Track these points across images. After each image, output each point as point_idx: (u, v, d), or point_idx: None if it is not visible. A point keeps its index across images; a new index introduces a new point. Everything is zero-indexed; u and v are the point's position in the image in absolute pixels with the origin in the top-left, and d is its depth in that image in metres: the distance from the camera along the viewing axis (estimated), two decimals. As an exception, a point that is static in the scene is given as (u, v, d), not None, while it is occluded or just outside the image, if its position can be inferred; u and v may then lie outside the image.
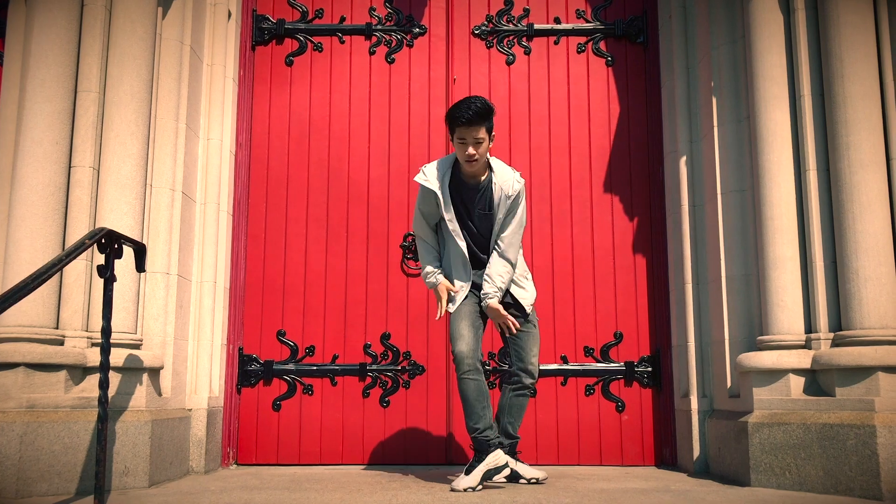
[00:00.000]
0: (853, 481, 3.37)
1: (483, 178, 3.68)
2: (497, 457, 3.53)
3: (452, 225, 3.66)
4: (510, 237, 3.68)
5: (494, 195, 3.64)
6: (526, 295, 3.80)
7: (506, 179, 3.64)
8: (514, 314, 3.71)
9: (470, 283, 3.71)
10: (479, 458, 3.53)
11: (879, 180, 3.63)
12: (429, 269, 3.76)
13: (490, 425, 3.58)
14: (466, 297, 3.71)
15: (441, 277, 3.73)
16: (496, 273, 3.65)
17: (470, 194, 3.68)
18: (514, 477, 3.75)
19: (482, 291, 3.67)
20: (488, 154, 3.69)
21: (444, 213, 3.65)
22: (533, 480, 3.74)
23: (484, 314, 3.73)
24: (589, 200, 4.83)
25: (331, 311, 4.74)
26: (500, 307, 3.66)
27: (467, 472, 3.49)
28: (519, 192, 3.67)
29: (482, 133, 3.53)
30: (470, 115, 3.48)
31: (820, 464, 3.47)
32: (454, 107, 3.56)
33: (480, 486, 3.47)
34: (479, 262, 3.75)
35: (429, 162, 4.90)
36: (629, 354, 4.70)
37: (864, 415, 3.41)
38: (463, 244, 3.67)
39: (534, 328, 3.81)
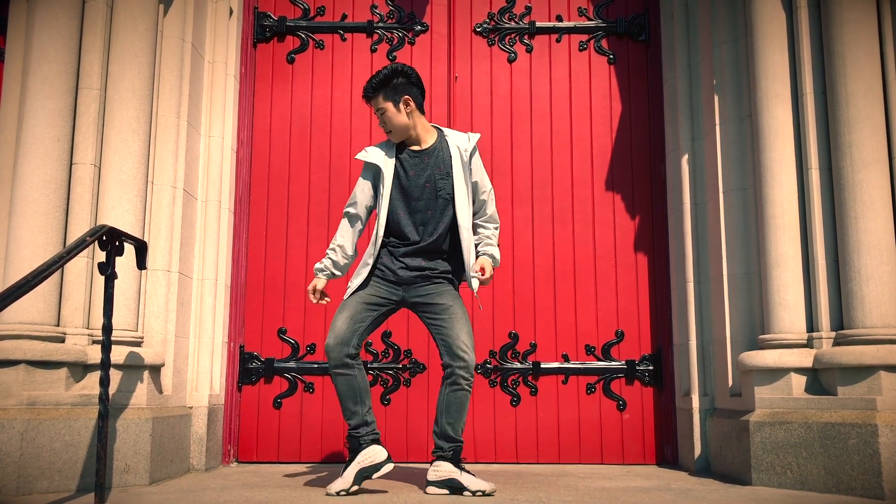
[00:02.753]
0: (855, 480, 3.36)
1: (431, 142, 3.55)
2: (370, 454, 3.31)
3: (385, 206, 3.48)
4: (488, 204, 3.59)
5: (452, 154, 3.51)
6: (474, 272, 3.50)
7: (459, 137, 3.57)
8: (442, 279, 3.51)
9: (369, 272, 3.48)
10: (351, 457, 3.35)
11: (882, 179, 3.62)
12: (330, 259, 3.57)
13: (364, 422, 3.36)
14: (372, 285, 3.48)
15: (323, 279, 3.57)
16: (492, 232, 3.59)
17: (422, 163, 3.51)
18: (457, 489, 3.31)
19: (482, 247, 3.55)
20: (439, 126, 3.64)
21: (383, 187, 3.49)
22: (479, 493, 3.26)
23: (387, 307, 3.49)
24: (590, 199, 4.82)
25: (332, 309, 4.73)
26: (491, 269, 3.49)
27: (341, 473, 3.31)
28: (475, 148, 3.56)
29: (381, 103, 3.49)
30: (366, 88, 3.54)
31: (821, 463, 3.46)
32: None
33: (355, 487, 3.28)
34: (422, 249, 3.48)
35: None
36: (630, 353, 4.70)
37: (866, 414, 3.41)
38: (385, 228, 3.48)
39: (458, 310, 3.44)
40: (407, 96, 3.49)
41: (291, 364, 4.68)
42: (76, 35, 3.90)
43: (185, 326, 4.24)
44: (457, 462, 3.38)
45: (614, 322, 4.72)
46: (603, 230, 4.79)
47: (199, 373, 4.34)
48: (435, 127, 3.64)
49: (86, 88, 3.89)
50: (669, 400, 4.60)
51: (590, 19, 4.99)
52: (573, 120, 4.91)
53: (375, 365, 4.66)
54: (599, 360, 4.69)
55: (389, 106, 3.49)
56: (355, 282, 3.49)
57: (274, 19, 4.99)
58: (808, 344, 3.73)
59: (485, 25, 4.98)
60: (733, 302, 4.10)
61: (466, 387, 3.37)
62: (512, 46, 4.98)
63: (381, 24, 4.99)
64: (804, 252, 3.81)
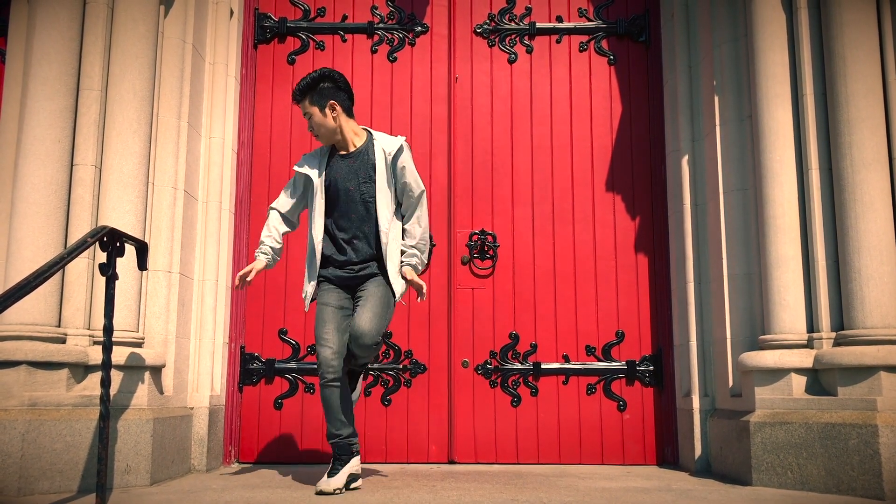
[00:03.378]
0: (855, 481, 3.36)
1: (360, 144, 3.66)
2: (357, 462, 3.52)
3: (319, 211, 3.58)
4: (417, 208, 3.62)
5: (377, 158, 3.59)
6: (400, 281, 3.61)
7: (386, 139, 3.63)
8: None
9: (315, 279, 3.60)
10: (343, 460, 3.46)
11: (882, 179, 3.63)
12: (262, 248, 3.66)
13: (354, 431, 3.52)
14: (326, 291, 3.59)
15: (263, 260, 3.64)
16: (420, 243, 3.63)
17: (348, 167, 3.61)
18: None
19: (403, 257, 3.60)
20: (370, 129, 3.72)
21: (314, 199, 3.60)
22: (336, 491, 3.37)
23: (347, 313, 3.59)
24: (591, 199, 4.83)
25: (332, 309, 4.73)
26: (416, 276, 3.59)
27: (331, 475, 3.40)
28: (401, 148, 3.59)
29: (308, 108, 3.59)
30: (294, 92, 3.62)
31: (822, 463, 3.47)
32: None
33: (343, 490, 3.40)
34: (350, 253, 3.59)
35: (429, 159, 4.91)
36: (631, 353, 4.70)
37: (867, 414, 3.41)
38: (320, 233, 3.59)
39: (373, 296, 3.53)
40: (333, 101, 3.60)
41: (292, 365, 4.68)
42: (77, 36, 3.90)
43: (185, 327, 4.24)
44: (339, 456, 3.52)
45: (615, 322, 4.72)
46: (603, 231, 4.79)
47: (200, 373, 4.34)
48: (366, 130, 3.72)
49: (86, 89, 3.90)
50: (670, 400, 4.60)
51: (590, 20, 5.00)
52: (573, 120, 4.91)
53: (376, 365, 4.67)
54: (600, 360, 4.69)
55: (316, 111, 3.60)
56: (309, 289, 3.63)
57: (274, 20, 4.99)
58: (809, 344, 3.73)
59: (485, 26, 4.98)
60: (734, 302, 4.11)
61: (362, 355, 3.49)
62: (512, 47, 4.98)
63: (381, 25, 5.00)
64: (804, 252, 3.81)
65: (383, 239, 3.56)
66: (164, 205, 4.10)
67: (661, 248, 4.75)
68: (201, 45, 4.47)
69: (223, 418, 4.50)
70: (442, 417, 4.63)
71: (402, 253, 3.63)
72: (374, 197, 3.58)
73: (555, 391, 4.66)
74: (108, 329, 3.22)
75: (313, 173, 3.64)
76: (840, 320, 3.69)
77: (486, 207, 4.81)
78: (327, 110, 3.59)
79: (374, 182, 3.58)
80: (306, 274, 3.66)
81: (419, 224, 3.66)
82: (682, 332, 4.50)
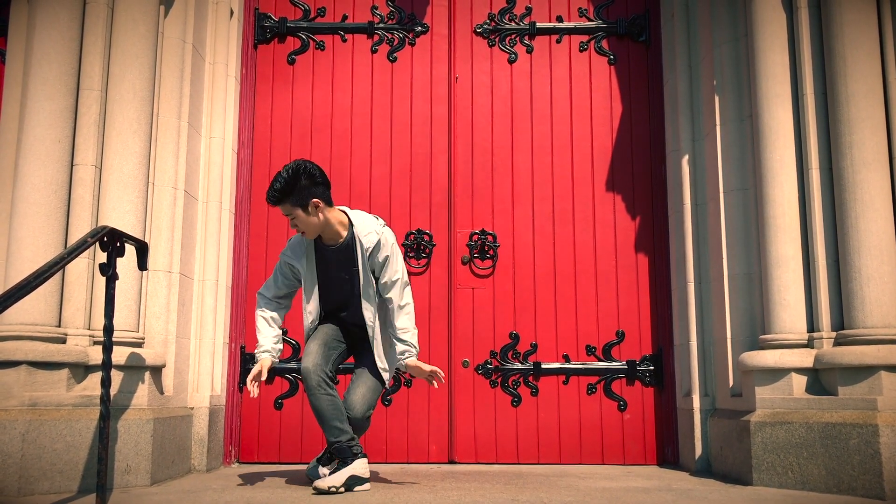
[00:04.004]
0: (856, 481, 3.36)
1: (343, 237, 3.58)
2: (364, 466, 3.47)
3: (312, 293, 3.63)
4: (396, 300, 3.55)
5: (357, 252, 3.55)
6: (388, 368, 3.68)
7: (366, 232, 3.54)
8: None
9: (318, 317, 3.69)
10: (345, 461, 3.45)
11: (882, 179, 3.62)
12: (264, 346, 3.60)
13: (353, 436, 3.50)
14: (322, 322, 3.70)
15: (268, 358, 3.56)
16: (403, 332, 3.54)
17: (332, 257, 3.60)
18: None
19: (399, 351, 3.56)
20: (347, 210, 3.64)
21: (305, 283, 3.63)
22: (332, 489, 3.36)
23: (348, 345, 3.71)
24: (591, 199, 4.82)
25: (333, 309, 4.73)
26: (420, 364, 3.54)
27: (330, 473, 3.43)
28: (378, 243, 3.52)
29: (289, 209, 3.45)
30: (269, 196, 3.46)
31: (822, 463, 3.47)
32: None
33: (343, 489, 3.36)
34: (350, 314, 3.68)
35: (430, 159, 4.90)
36: (631, 353, 4.70)
37: (867, 414, 3.41)
38: (315, 315, 3.67)
39: (366, 372, 3.65)
40: (315, 199, 3.47)
41: (292, 364, 4.68)
42: (77, 36, 3.90)
43: (185, 327, 4.24)
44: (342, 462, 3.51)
45: (615, 322, 4.72)
46: (603, 230, 4.79)
47: (201, 373, 4.34)
48: (345, 213, 3.63)
49: (87, 90, 3.90)
50: (670, 400, 4.60)
51: (590, 20, 5.00)
52: (573, 120, 4.91)
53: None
54: (600, 360, 4.69)
55: (299, 212, 3.47)
56: (312, 320, 3.69)
57: (274, 20, 4.99)
58: (809, 344, 3.73)
59: (485, 26, 4.98)
60: (734, 302, 4.11)
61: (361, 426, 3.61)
62: (512, 47, 4.98)
63: (381, 25, 5.00)
64: (805, 252, 3.81)
65: (370, 333, 3.61)
66: (164, 205, 4.10)
67: (661, 248, 4.75)
68: (201, 45, 4.47)
69: (223, 418, 4.49)
70: (442, 417, 4.62)
71: (398, 347, 3.56)
72: (359, 287, 3.58)
73: (555, 391, 4.66)
74: (109, 329, 3.22)
75: (302, 263, 3.62)
76: (840, 320, 3.69)
77: (486, 207, 4.81)
78: (310, 209, 3.46)
79: (359, 273, 3.56)
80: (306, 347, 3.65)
81: (406, 314, 3.57)
82: (682, 332, 4.49)
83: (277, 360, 3.66)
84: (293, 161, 3.52)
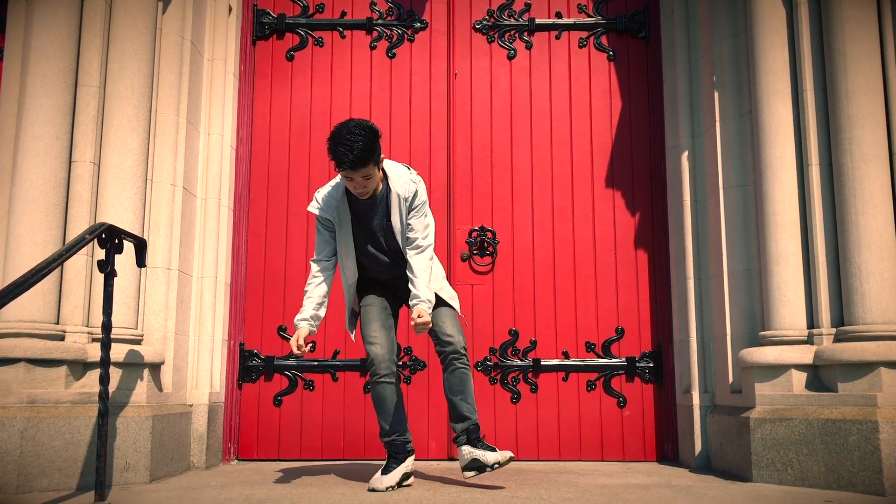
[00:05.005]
0: (855, 477, 3.36)
1: (378, 190, 3.47)
2: (412, 461, 3.53)
3: (348, 248, 3.54)
4: (420, 240, 3.46)
5: (392, 203, 3.46)
6: (455, 298, 3.64)
7: (402, 182, 3.45)
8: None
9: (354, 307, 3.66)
10: (398, 459, 3.47)
11: (882, 175, 3.62)
12: (307, 313, 3.49)
13: (407, 430, 3.53)
14: (367, 295, 3.61)
15: (306, 327, 3.46)
16: (421, 283, 3.41)
17: (367, 210, 3.50)
18: (480, 468, 3.41)
19: (413, 301, 3.43)
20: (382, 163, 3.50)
21: (339, 239, 3.53)
22: (496, 465, 3.37)
23: (395, 311, 3.66)
24: (590, 196, 4.82)
25: (331, 306, 4.72)
26: (429, 319, 3.38)
27: (385, 472, 3.43)
28: (416, 193, 3.46)
29: (369, 170, 3.28)
30: (352, 160, 3.20)
31: (822, 459, 3.46)
32: (334, 141, 3.24)
33: (396, 487, 3.40)
34: (388, 266, 3.60)
35: (429, 156, 4.89)
36: (631, 350, 4.69)
37: (867, 410, 3.40)
38: (353, 275, 3.58)
39: (444, 307, 3.54)
40: (380, 153, 3.36)
41: (291, 362, 4.68)
42: (75, 33, 3.89)
43: (184, 324, 4.23)
44: (473, 441, 3.44)
45: (614, 319, 4.72)
46: (603, 227, 4.79)
47: (200, 370, 4.33)
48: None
49: (85, 86, 3.89)
50: (670, 397, 4.60)
51: (589, 16, 4.99)
52: (573, 117, 4.90)
53: (375, 362, 4.66)
54: (600, 357, 4.69)
55: (374, 170, 3.31)
56: (352, 318, 3.69)
57: (273, 17, 4.98)
58: (809, 340, 3.73)
59: (484, 22, 4.97)
60: (733, 298, 4.10)
61: (461, 365, 3.47)
62: (511, 43, 4.97)
63: (380, 22, 4.99)
64: (804, 248, 3.80)
65: (411, 276, 3.46)
66: (162, 201, 4.09)
67: (660, 245, 4.75)
68: (200, 42, 4.46)
69: (222, 415, 4.49)
70: (442, 415, 4.62)
71: (414, 295, 3.49)
72: (395, 238, 3.52)
73: (554, 388, 4.65)
74: (107, 326, 3.22)
75: (334, 216, 3.51)
76: (840, 316, 3.69)
77: (485, 204, 4.81)
78: (379, 164, 3.36)
79: (392, 225, 3.49)
80: (347, 307, 3.67)
81: (413, 269, 3.45)
82: (681, 329, 4.49)
83: (316, 329, 3.54)
84: (349, 121, 3.30)
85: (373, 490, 3.34)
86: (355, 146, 3.19)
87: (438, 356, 3.54)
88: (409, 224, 3.48)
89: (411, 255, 3.47)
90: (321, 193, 3.55)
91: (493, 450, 3.41)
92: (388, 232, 3.53)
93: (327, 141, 3.31)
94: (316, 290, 3.55)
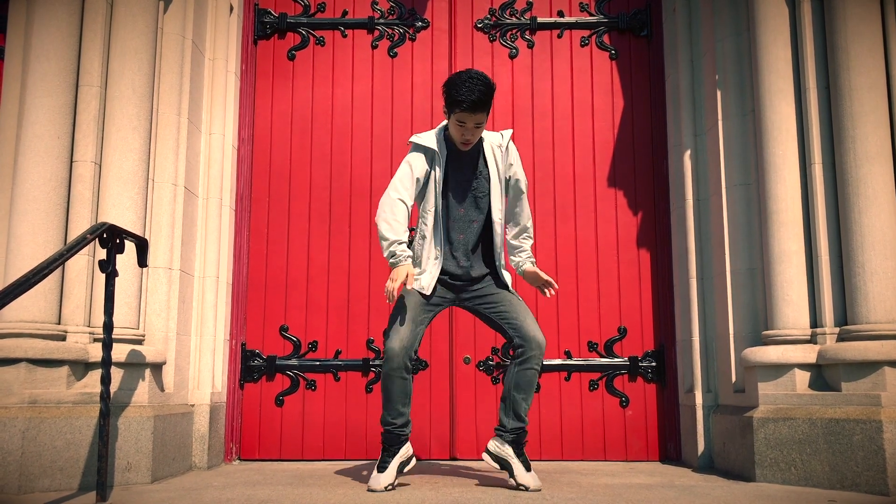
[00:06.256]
0: (859, 476, 3.35)
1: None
2: (406, 449, 3.46)
3: (438, 200, 3.41)
4: (524, 203, 3.59)
5: (487, 152, 3.47)
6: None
7: (493, 136, 3.51)
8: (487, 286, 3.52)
9: (439, 268, 3.43)
10: (392, 451, 3.40)
11: (886, 173, 3.61)
12: (400, 238, 3.30)
13: (408, 421, 3.45)
14: (417, 292, 3.43)
15: (408, 257, 3.31)
16: (527, 237, 3.61)
17: (462, 161, 3.46)
18: (504, 467, 3.43)
19: (520, 257, 3.59)
20: None
21: (435, 181, 3.39)
22: (522, 487, 3.34)
23: (442, 307, 3.52)
24: (592, 195, 4.81)
25: (333, 306, 4.73)
26: (539, 271, 3.52)
27: (381, 469, 3.37)
28: (510, 146, 3.51)
29: (483, 116, 3.32)
30: (474, 100, 3.25)
31: (826, 459, 3.45)
32: (456, 84, 3.28)
33: (395, 482, 3.37)
34: (462, 245, 3.49)
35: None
36: (633, 349, 4.68)
37: (871, 410, 3.39)
38: (433, 230, 3.44)
39: (513, 297, 3.51)
40: None
41: (293, 362, 4.67)
42: (76, 32, 3.89)
43: (186, 324, 4.23)
44: (518, 447, 3.44)
45: (617, 318, 4.71)
46: (605, 226, 4.77)
47: (201, 370, 4.33)
48: None
49: (86, 86, 3.88)
50: (672, 396, 4.59)
51: (591, 15, 4.98)
52: (575, 116, 4.89)
53: (378, 362, 4.65)
54: (602, 356, 4.67)
55: (486, 119, 3.36)
56: (426, 279, 3.41)
57: (274, 16, 4.97)
58: (812, 340, 3.72)
59: (486, 21, 4.96)
60: (736, 298, 4.09)
61: (537, 367, 3.42)
62: (513, 42, 4.96)
63: (381, 21, 4.98)
64: (808, 247, 3.79)
65: (497, 230, 3.47)
66: (164, 201, 4.09)
67: (663, 244, 4.73)
68: (201, 41, 4.45)
69: (224, 415, 4.49)
70: (443, 414, 4.61)
71: (522, 251, 3.61)
72: (488, 192, 3.47)
73: (557, 387, 4.64)
74: (109, 326, 3.21)
75: (441, 158, 3.41)
76: (843, 315, 3.68)
77: (487, 203, 4.79)
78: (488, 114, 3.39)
79: (488, 177, 3.47)
80: (427, 260, 3.43)
81: (527, 232, 3.64)
82: (684, 328, 4.48)
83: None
84: (466, 70, 3.34)
85: (371, 491, 3.31)
86: (477, 88, 3.25)
87: (515, 349, 3.44)
88: (517, 183, 3.54)
89: (522, 238, 3.60)
90: (420, 142, 3.45)
91: (530, 469, 3.40)
92: (475, 192, 3.47)
93: (443, 86, 3.35)
94: (401, 228, 3.32)
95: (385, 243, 3.32)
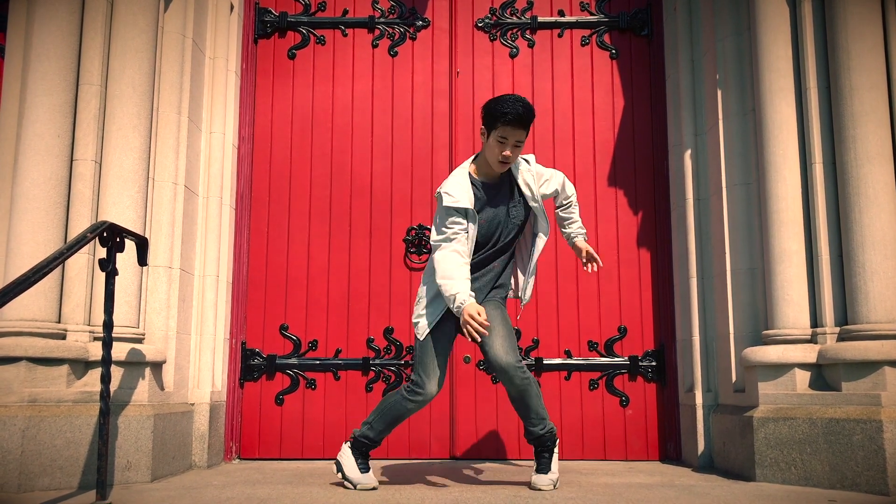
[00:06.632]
0: (859, 476, 3.35)
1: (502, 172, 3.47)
2: (345, 448, 3.50)
3: (479, 237, 3.40)
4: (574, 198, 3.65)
5: (519, 180, 3.45)
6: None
7: (520, 162, 3.49)
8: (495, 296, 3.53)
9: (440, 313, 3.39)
10: (367, 457, 3.45)
11: (886, 173, 3.60)
12: (464, 284, 3.25)
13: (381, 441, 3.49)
14: (447, 320, 3.37)
15: (472, 295, 3.25)
16: (570, 206, 3.66)
17: (492, 193, 3.43)
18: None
19: (570, 228, 3.65)
20: None
21: (471, 228, 3.35)
22: (535, 488, 3.37)
23: (453, 335, 3.45)
24: (593, 194, 4.80)
25: (333, 305, 4.73)
26: (588, 246, 3.62)
27: (364, 471, 3.40)
28: (535, 167, 3.51)
29: (524, 135, 3.32)
30: (519, 114, 3.25)
31: (826, 459, 3.45)
32: (499, 101, 3.32)
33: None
34: (487, 274, 3.49)
35: (431, 154, 4.88)
36: (633, 349, 4.68)
37: (871, 409, 3.39)
38: (483, 255, 3.43)
39: (496, 318, 3.39)
40: None
41: (293, 361, 4.67)
42: (76, 31, 3.88)
43: (186, 323, 4.23)
44: (541, 449, 3.42)
45: (617, 318, 4.71)
46: (605, 226, 4.77)
47: (201, 369, 4.33)
48: None
49: (86, 84, 3.88)
50: (672, 396, 4.59)
51: (592, 14, 4.97)
52: (575, 115, 4.89)
53: (378, 361, 4.65)
54: (602, 356, 4.67)
55: (525, 139, 3.37)
56: (429, 321, 3.38)
57: (275, 15, 4.97)
58: (812, 339, 3.72)
59: (486, 20, 4.96)
60: (737, 297, 4.09)
61: (517, 384, 3.29)
62: (514, 41, 4.96)
63: (382, 20, 4.98)
64: (808, 247, 3.79)
65: (536, 255, 3.52)
66: (164, 200, 4.09)
67: (663, 243, 4.73)
68: (201, 40, 4.45)
69: (224, 414, 4.48)
70: (444, 414, 4.61)
71: (573, 223, 3.66)
72: (524, 220, 3.48)
73: (557, 387, 4.64)
74: (108, 325, 3.21)
75: (474, 204, 3.37)
76: (844, 315, 3.67)
77: (487, 202, 4.79)
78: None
79: (525, 204, 3.46)
80: (429, 306, 3.40)
81: (574, 194, 3.69)
82: (684, 328, 4.48)
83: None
84: (508, 95, 3.37)
85: (372, 487, 3.36)
86: (521, 104, 3.29)
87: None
88: (568, 196, 3.61)
89: (573, 212, 3.66)
90: (448, 185, 3.39)
91: (546, 471, 3.40)
92: (512, 220, 3.45)
93: (484, 107, 3.37)
94: (463, 272, 3.29)
95: (448, 297, 3.26)
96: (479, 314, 3.16)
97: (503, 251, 3.50)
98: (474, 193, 3.39)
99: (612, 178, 4.83)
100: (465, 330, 3.20)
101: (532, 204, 3.47)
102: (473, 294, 3.28)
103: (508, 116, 3.25)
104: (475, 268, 3.44)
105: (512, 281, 3.62)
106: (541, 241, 3.54)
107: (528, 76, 4.93)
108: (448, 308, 3.33)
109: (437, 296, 3.37)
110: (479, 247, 3.43)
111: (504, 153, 3.32)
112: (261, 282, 4.75)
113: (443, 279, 3.27)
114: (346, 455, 3.44)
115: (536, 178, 3.50)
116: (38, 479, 3.35)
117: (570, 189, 3.67)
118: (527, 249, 3.60)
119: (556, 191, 3.59)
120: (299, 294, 4.73)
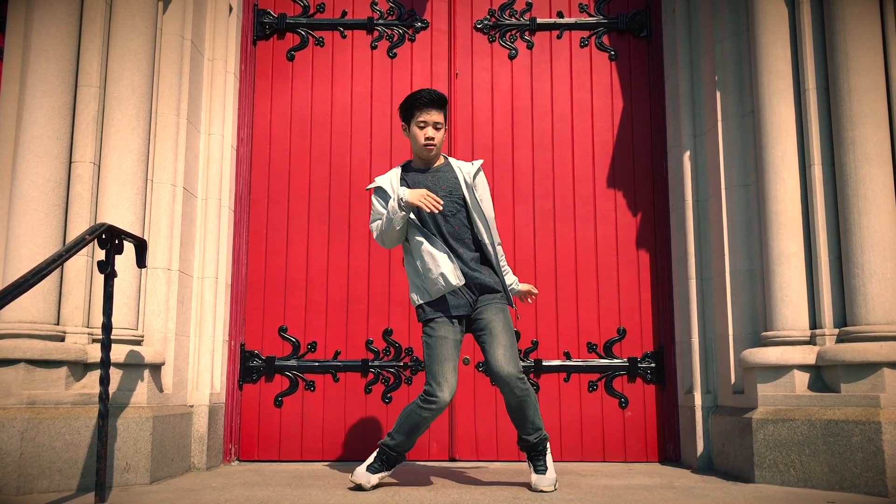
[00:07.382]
0: (858, 478, 3.35)
1: (438, 162, 3.59)
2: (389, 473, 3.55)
3: (424, 217, 3.47)
4: (493, 227, 3.57)
5: (458, 178, 3.52)
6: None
7: (462, 163, 3.59)
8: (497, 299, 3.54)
9: (461, 282, 3.41)
10: (386, 465, 3.47)
11: (885, 175, 3.61)
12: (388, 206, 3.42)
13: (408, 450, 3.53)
14: (442, 324, 3.40)
15: (400, 193, 3.40)
16: (504, 263, 3.64)
17: (430, 181, 3.51)
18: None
19: (509, 283, 3.62)
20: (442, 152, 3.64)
21: (414, 226, 3.48)
22: (536, 489, 3.40)
23: (460, 342, 3.47)
24: (592, 196, 4.80)
25: (333, 306, 4.72)
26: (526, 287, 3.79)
27: (371, 471, 3.45)
28: (479, 171, 3.58)
29: (442, 117, 3.53)
30: (432, 97, 3.50)
31: (825, 460, 3.45)
32: (414, 93, 3.55)
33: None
34: (463, 255, 3.49)
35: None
36: (632, 350, 4.68)
37: (870, 411, 3.39)
38: (438, 241, 3.45)
39: (497, 323, 3.44)
40: None
41: (292, 362, 4.67)
42: (75, 32, 3.88)
43: (185, 325, 4.22)
44: (533, 455, 3.48)
45: (616, 319, 4.71)
46: (605, 227, 4.77)
47: (200, 371, 4.32)
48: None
49: (85, 86, 3.88)
50: (672, 397, 4.59)
51: (591, 15, 4.98)
52: (574, 117, 4.89)
53: (377, 363, 4.65)
54: (601, 357, 4.67)
55: (444, 121, 3.55)
56: (451, 275, 3.38)
57: (274, 16, 4.97)
58: (812, 341, 3.72)
59: (485, 22, 4.96)
60: (736, 299, 4.09)
61: (516, 392, 3.34)
62: (513, 43, 4.96)
63: (381, 21, 4.98)
64: (807, 249, 3.79)
65: (489, 250, 3.50)
66: (163, 202, 4.08)
67: (662, 245, 4.73)
68: (200, 42, 4.45)
69: (223, 416, 4.48)
70: (443, 415, 4.61)
71: (507, 274, 3.66)
72: (466, 209, 3.50)
73: (556, 388, 4.64)
74: (107, 327, 3.21)
75: (388, 186, 3.52)
76: (843, 317, 3.68)
77: (486, 204, 4.79)
78: (445, 129, 3.61)
79: (462, 192, 3.51)
80: (419, 287, 3.46)
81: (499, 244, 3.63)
82: (683, 329, 4.48)
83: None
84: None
85: (358, 484, 3.39)
86: (431, 90, 3.54)
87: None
88: (483, 216, 3.54)
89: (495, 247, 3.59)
90: (380, 182, 3.57)
91: (543, 472, 3.43)
92: (454, 196, 3.50)
93: (400, 106, 3.60)
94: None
95: (385, 216, 3.45)
96: (423, 194, 3.34)
97: (456, 237, 3.47)
98: (410, 179, 3.55)
99: (611, 180, 4.83)
100: (423, 206, 3.33)
101: (467, 201, 3.49)
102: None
103: (423, 99, 3.49)
104: (439, 245, 3.44)
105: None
106: (481, 222, 3.50)
107: (526, 78, 4.93)
108: (448, 312, 3.41)
109: (420, 274, 3.45)
110: (429, 231, 3.46)
111: (427, 135, 3.50)
112: (260, 283, 4.75)
113: (375, 225, 3.53)
114: (370, 458, 3.49)
115: (471, 184, 3.53)
116: (36, 482, 3.35)
117: (491, 216, 3.58)
118: (488, 240, 3.53)
119: (481, 192, 3.58)
120: (298, 295, 4.73)
